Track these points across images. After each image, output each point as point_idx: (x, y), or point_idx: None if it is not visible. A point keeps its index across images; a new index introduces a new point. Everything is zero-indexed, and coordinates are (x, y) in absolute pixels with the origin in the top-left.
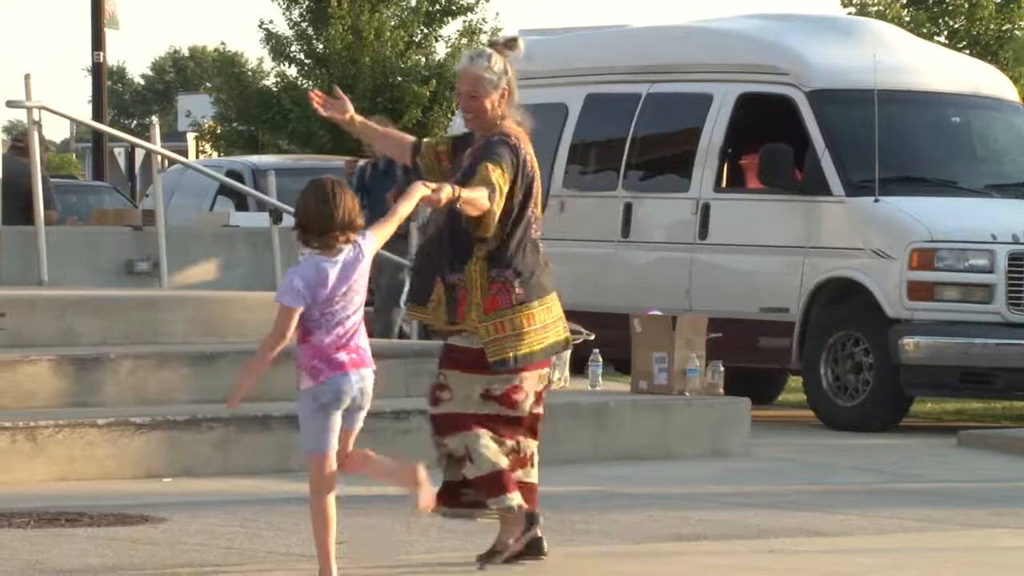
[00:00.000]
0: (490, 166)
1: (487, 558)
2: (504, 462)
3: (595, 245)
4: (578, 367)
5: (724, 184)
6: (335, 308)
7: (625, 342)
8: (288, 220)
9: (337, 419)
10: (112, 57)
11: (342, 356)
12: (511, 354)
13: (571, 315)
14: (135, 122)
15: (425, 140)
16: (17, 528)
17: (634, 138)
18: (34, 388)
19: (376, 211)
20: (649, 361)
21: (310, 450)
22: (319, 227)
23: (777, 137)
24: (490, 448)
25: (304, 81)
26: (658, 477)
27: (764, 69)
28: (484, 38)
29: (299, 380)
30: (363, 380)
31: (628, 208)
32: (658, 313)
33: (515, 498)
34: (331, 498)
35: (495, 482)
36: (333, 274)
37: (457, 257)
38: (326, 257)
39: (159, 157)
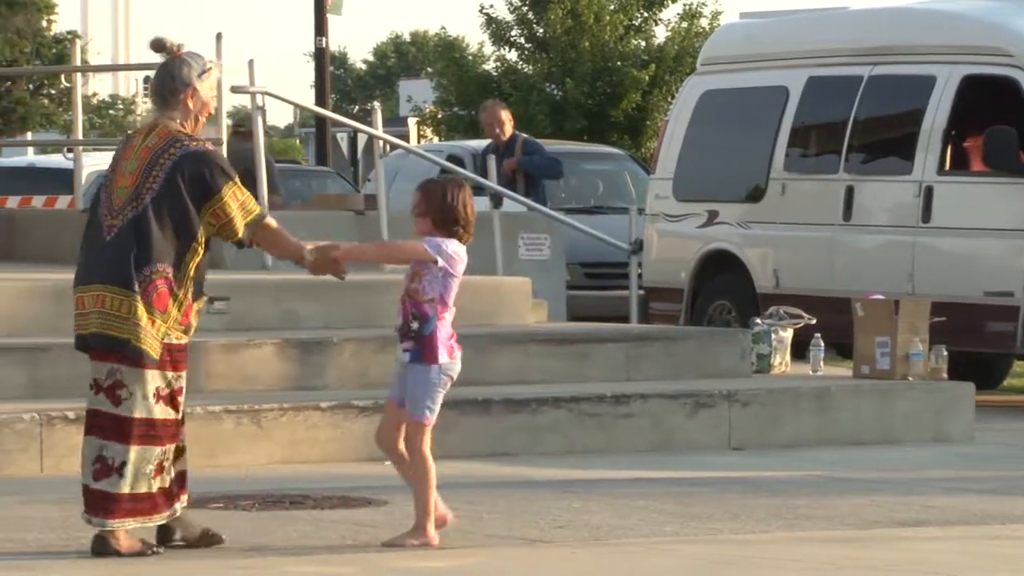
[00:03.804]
0: None
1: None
2: None
3: (816, 228)
4: (800, 351)
5: (947, 167)
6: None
7: (847, 326)
8: (509, 204)
9: None
10: (334, 43)
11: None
12: None
13: (792, 299)
14: (357, 107)
15: None
16: (242, 511)
17: (856, 121)
18: (258, 372)
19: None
20: (871, 345)
21: (420, 417)
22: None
23: (1001, 119)
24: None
25: (524, 65)
26: (880, 462)
27: (988, 51)
28: (704, 22)
29: (428, 352)
30: None
31: (850, 191)
32: (880, 297)
33: None
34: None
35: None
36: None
37: None
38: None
39: (381, 142)
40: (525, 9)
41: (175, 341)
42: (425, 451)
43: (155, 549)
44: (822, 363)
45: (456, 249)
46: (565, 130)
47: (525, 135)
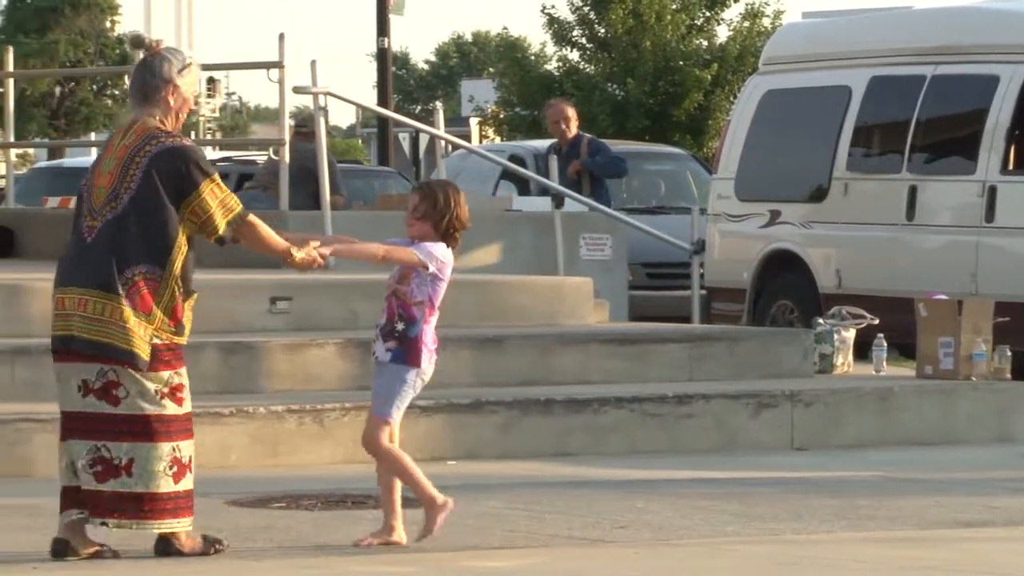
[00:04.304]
0: None
1: None
2: None
3: (879, 228)
4: (862, 352)
5: (1011, 166)
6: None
7: (910, 326)
8: (570, 204)
9: None
10: (396, 43)
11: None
12: None
13: (855, 299)
14: (419, 107)
15: None
16: (304, 510)
17: (919, 120)
18: (320, 371)
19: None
20: (934, 345)
21: (387, 415)
22: (461, 226)
23: None
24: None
25: (586, 65)
26: (943, 462)
27: None
28: (767, 21)
29: (412, 355)
30: None
31: (913, 191)
32: (944, 297)
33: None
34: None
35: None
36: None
37: None
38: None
39: (443, 142)
40: (587, 9)
41: (164, 342)
42: (389, 445)
43: (218, 547)
44: (885, 363)
45: (444, 253)
46: (627, 130)
47: (590, 136)
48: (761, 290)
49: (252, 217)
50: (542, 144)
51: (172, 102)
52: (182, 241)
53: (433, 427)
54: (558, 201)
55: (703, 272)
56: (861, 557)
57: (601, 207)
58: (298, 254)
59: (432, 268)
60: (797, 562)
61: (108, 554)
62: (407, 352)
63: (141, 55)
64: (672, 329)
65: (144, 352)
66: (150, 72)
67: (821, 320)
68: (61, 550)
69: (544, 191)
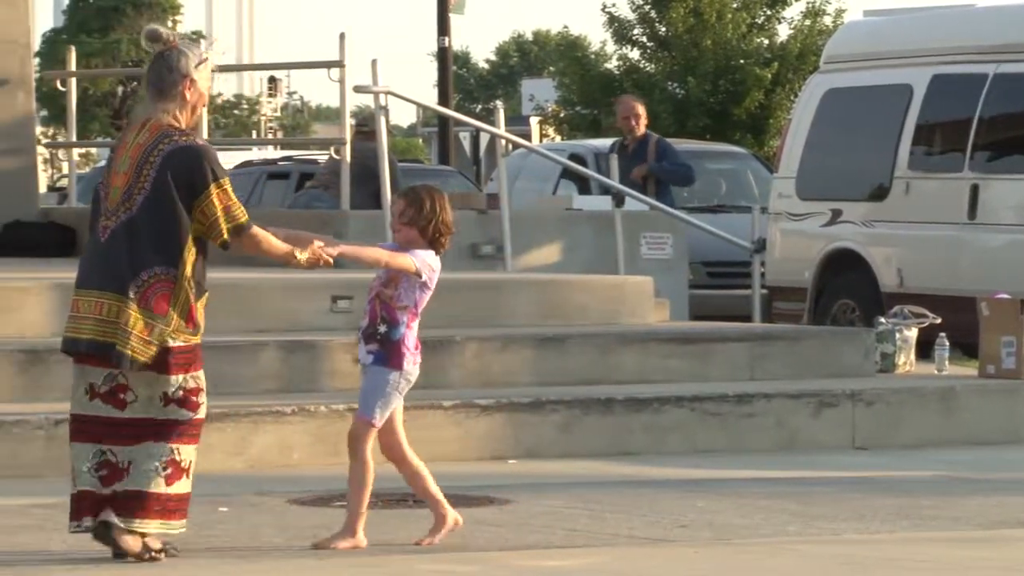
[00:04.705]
0: None
1: None
2: None
3: (941, 227)
4: (925, 351)
5: None
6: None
7: (972, 325)
8: (631, 203)
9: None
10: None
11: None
12: None
13: (917, 298)
14: (479, 106)
15: None
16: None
17: (980, 118)
18: None
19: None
20: (997, 345)
21: (371, 419)
22: (447, 230)
23: None
24: None
25: (646, 64)
26: (1006, 462)
27: None
28: (828, 20)
29: (394, 358)
30: None
31: (975, 190)
32: (1006, 296)
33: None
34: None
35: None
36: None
37: None
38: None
39: (503, 141)
40: (647, 8)
41: (181, 343)
42: (367, 454)
43: (154, 554)
44: (947, 362)
45: (434, 261)
46: (687, 129)
47: (658, 136)
48: (822, 289)
49: (256, 229)
50: (602, 143)
51: (188, 96)
52: (194, 240)
53: (493, 426)
54: (618, 200)
55: (764, 271)
56: (923, 557)
57: (661, 206)
58: (302, 256)
59: (424, 276)
60: (859, 562)
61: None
62: (389, 355)
63: (155, 49)
64: (733, 328)
65: (145, 356)
66: (167, 66)
67: (883, 319)
68: (103, 533)
69: (605, 190)
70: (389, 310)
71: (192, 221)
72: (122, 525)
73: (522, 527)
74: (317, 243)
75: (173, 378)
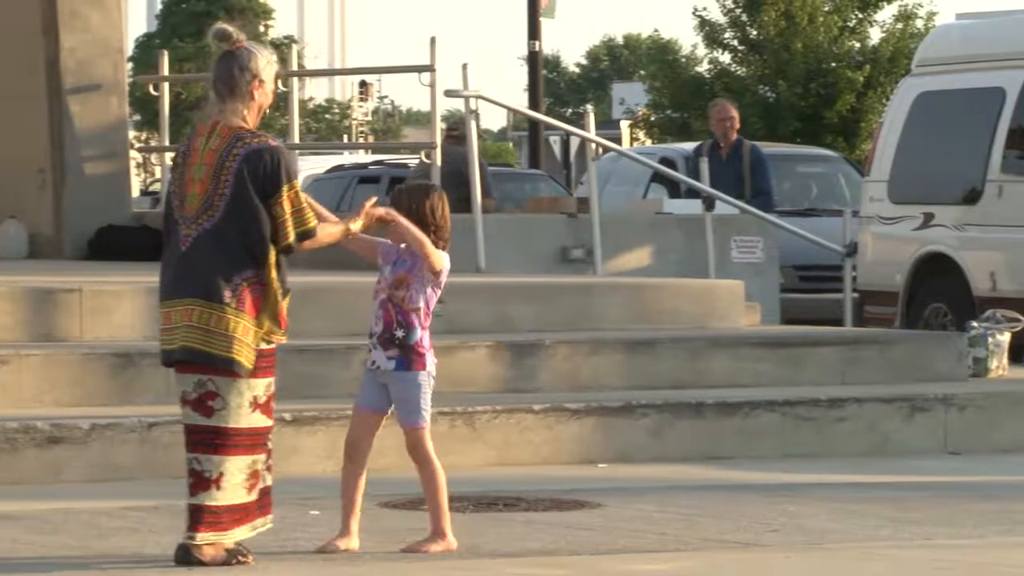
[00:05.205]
0: None
1: None
2: None
3: None
4: (1017, 355)
5: None
6: None
7: None
8: (722, 207)
9: None
10: (547, 46)
11: None
12: None
13: (1010, 302)
14: (570, 110)
15: None
16: (456, 512)
17: None
18: (471, 373)
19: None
20: None
21: (420, 425)
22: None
23: None
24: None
25: (737, 67)
26: None
27: None
28: (919, 23)
29: (417, 360)
30: None
31: None
32: None
33: None
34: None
35: None
36: None
37: None
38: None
39: (593, 145)
40: (739, 11)
41: (270, 347)
42: (432, 456)
43: (241, 558)
44: None
45: (447, 262)
46: (778, 132)
47: (752, 143)
48: (914, 293)
49: (320, 235)
50: (693, 147)
51: (257, 96)
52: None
53: (584, 430)
54: (709, 203)
55: (855, 275)
56: (1015, 562)
57: (752, 209)
58: (356, 224)
59: (442, 276)
60: (951, 567)
61: (237, 560)
62: (410, 359)
63: (221, 48)
64: (824, 332)
65: (248, 360)
66: (238, 66)
67: (975, 323)
68: (183, 557)
69: (694, 193)
70: (403, 313)
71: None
72: (201, 543)
73: (612, 531)
74: (367, 204)
75: (263, 382)
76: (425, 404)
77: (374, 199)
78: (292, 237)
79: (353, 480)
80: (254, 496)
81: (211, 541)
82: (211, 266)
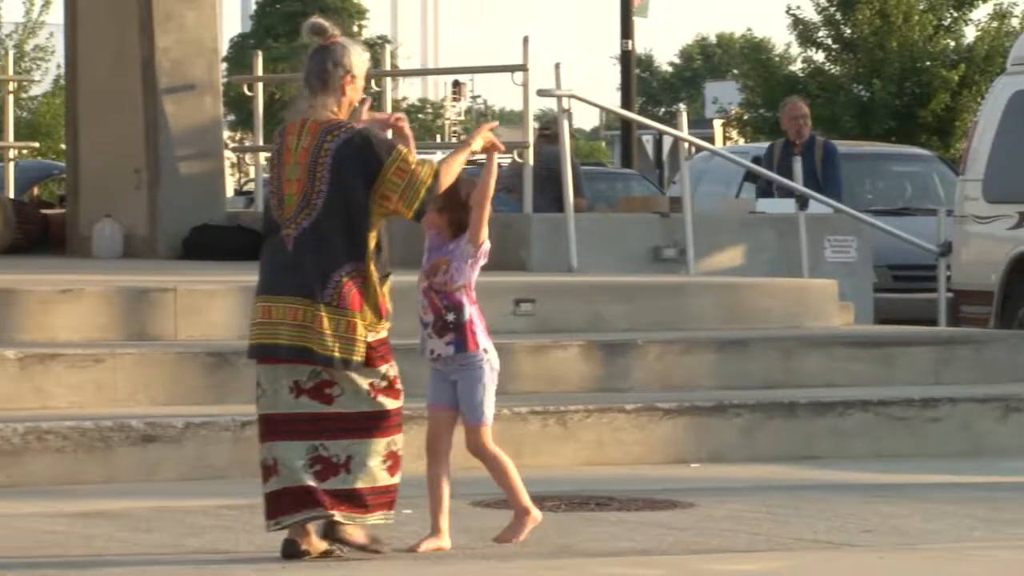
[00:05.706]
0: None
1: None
2: None
3: None
4: None
5: None
6: None
7: None
8: (815, 206)
9: None
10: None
11: None
12: None
13: None
14: (663, 110)
15: None
16: (548, 511)
17: None
18: (563, 373)
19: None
20: None
21: (483, 422)
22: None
23: None
24: None
25: (831, 66)
26: None
27: None
28: (1015, 22)
29: (471, 338)
30: None
31: None
32: None
33: None
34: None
35: None
36: None
37: None
38: None
39: (686, 144)
40: (832, 10)
41: (378, 337)
42: (495, 450)
43: (378, 547)
44: None
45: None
46: (872, 131)
47: (824, 139)
48: (1009, 293)
49: (444, 178)
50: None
51: (348, 91)
52: (375, 231)
53: (676, 429)
54: (802, 203)
55: (950, 274)
56: None
57: (846, 208)
58: (476, 143)
59: (483, 251)
60: None
61: (339, 553)
62: (466, 339)
63: (314, 42)
64: (918, 332)
65: (358, 355)
66: (332, 60)
67: None
68: (292, 551)
69: (782, 189)
70: (449, 296)
71: (374, 206)
72: (344, 521)
73: (705, 531)
74: (485, 127)
75: (379, 369)
76: (489, 401)
77: (495, 123)
78: (420, 204)
79: (438, 479)
80: (397, 479)
81: (348, 520)
82: (314, 265)
